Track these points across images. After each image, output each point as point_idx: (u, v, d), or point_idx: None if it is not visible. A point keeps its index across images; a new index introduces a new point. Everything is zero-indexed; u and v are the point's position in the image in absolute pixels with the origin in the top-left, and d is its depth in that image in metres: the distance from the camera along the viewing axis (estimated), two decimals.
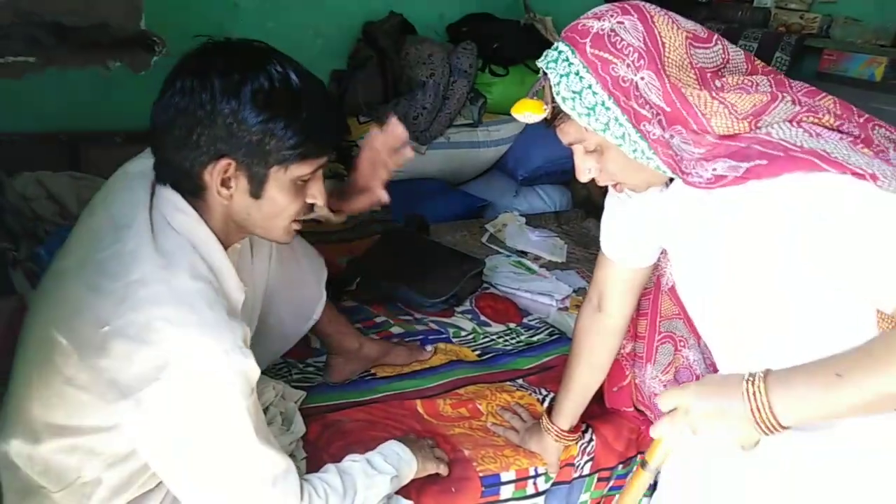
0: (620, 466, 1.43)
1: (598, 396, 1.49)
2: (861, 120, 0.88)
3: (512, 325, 1.77)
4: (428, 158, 2.60)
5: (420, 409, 1.40)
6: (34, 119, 2.27)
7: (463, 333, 1.70)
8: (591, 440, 1.39)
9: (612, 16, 0.86)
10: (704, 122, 0.84)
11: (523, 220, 2.49)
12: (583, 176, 0.96)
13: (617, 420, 1.44)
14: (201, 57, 0.93)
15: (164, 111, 0.91)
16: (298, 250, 1.41)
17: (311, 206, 1.03)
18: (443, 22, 2.93)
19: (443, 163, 2.65)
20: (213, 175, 0.92)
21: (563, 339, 1.72)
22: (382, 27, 2.68)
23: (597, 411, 1.45)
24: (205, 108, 0.88)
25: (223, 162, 0.91)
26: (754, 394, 0.78)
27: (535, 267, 2.22)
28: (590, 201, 2.90)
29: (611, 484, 1.43)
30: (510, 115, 2.94)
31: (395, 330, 1.68)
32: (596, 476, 1.41)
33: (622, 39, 0.84)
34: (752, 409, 0.77)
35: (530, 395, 1.49)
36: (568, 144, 0.94)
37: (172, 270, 0.89)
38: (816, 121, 0.86)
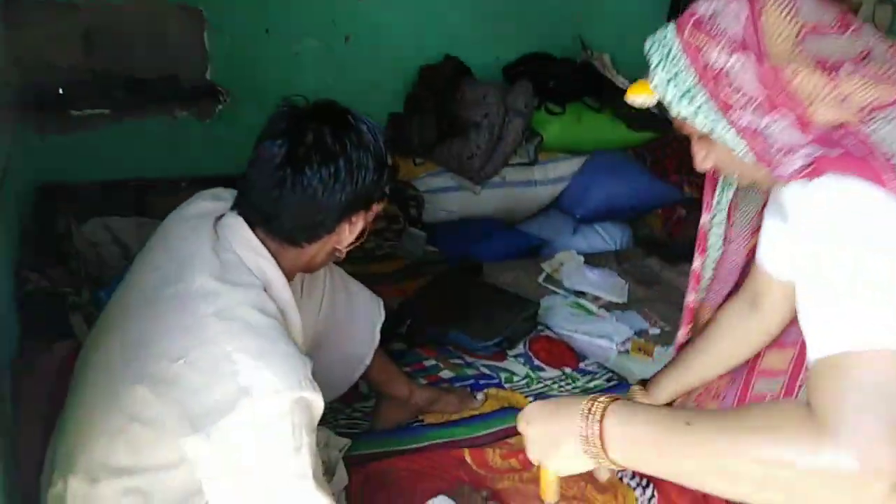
0: None
1: None
2: None
3: (567, 370, 1.69)
4: (483, 198, 2.58)
5: (468, 459, 1.35)
6: (105, 168, 2.39)
7: (515, 378, 1.64)
8: (652, 496, 1.29)
9: (721, 0, 0.82)
10: (806, 110, 0.78)
11: (581, 258, 2.42)
12: (697, 164, 0.93)
13: None
14: (341, 124, 0.99)
15: (297, 182, 0.96)
16: (354, 294, 1.42)
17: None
18: (499, 64, 2.94)
19: (498, 202, 2.62)
20: (351, 229, 1.03)
21: (622, 386, 1.63)
22: (438, 71, 2.71)
23: None
24: (364, 177, 0.98)
25: (360, 214, 1.03)
26: (588, 418, 0.72)
27: (593, 308, 2.15)
28: (652, 239, 2.81)
29: None
30: (568, 152, 2.91)
31: (445, 374, 1.64)
32: None
33: (720, 24, 0.80)
34: (581, 435, 0.72)
35: None
36: (677, 130, 0.91)
37: (245, 307, 0.92)
38: None
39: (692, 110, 0.82)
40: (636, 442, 0.71)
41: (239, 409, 0.84)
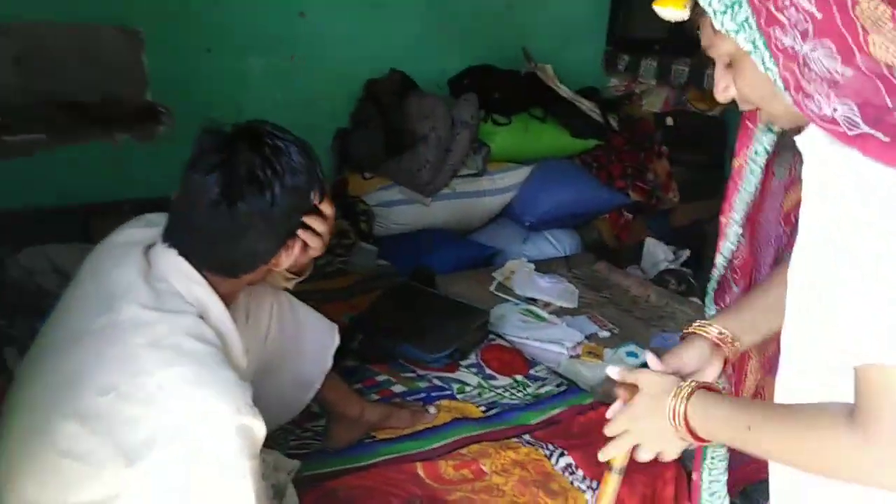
0: None
1: None
2: None
3: (519, 378, 1.71)
4: (433, 210, 2.60)
5: (420, 473, 1.35)
6: (45, 193, 2.33)
7: (468, 389, 1.66)
8: None
9: None
10: (861, 37, 0.68)
11: (532, 266, 2.45)
12: (718, 93, 0.82)
13: (628, 476, 1.36)
14: (273, 152, 0.96)
15: (234, 216, 0.94)
16: (303, 320, 1.41)
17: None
18: (444, 76, 2.97)
19: (448, 213, 2.64)
20: (287, 254, 1.01)
21: (571, 391, 1.66)
22: (384, 85, 2.72)
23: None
24: (283, 204, 0.96)
25: (296, 241, 1.02)
26: (674, 413, 0.84)
27: (544, 314, 2.18)
28: (601, 244, 2.86)
29: None
30: (515, 162, 2.93)
31: (397, 388, 1.64)
32: None
33: None
34: (673, 426, 0.84)
35: (537, 450, 1.43)
36: (704, 50, 0.81)
37: (180, 335, 0.90)
38: None
39: (734, 25, 0.72)
40: (713, 433, 0.84)
41: (177, 439, 0.83)
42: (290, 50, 2.67)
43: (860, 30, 0.67)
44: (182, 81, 2.48)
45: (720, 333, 0.98)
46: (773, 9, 0.70)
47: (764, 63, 0.73)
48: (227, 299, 1.02)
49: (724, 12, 0.72)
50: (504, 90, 2.78)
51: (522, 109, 2.81)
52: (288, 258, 1.02)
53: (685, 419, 0.83)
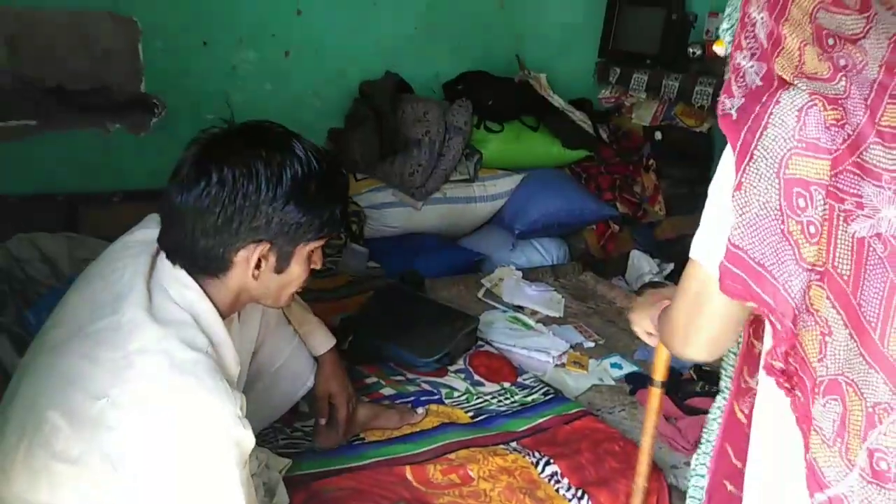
0: None
1: (593, 461, 1.46)
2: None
3: (506, 385, 1.73)
4: (424, 214, 2.61)
5: (409, 476, 1.36)
6: (34, 181, 2.30)
7: (456, 394, 1.67)
8: None
9: None
10: (773, 54, 0.88)
11: (520, 274, 2.48)
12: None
13: (612, 485, 1.40)
14: (234, 144, 0.95)
15: (198, 199, 0.93)
16: (297, 318, 1.43)
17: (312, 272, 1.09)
18: (438, 80, 2.99)
19: (439, 218, 2.65)
20: (248, 258, 0.97)
21: (557, 400, 1.68)
22: (378, 86, 2.73)
23: (592, 476, 1.41)
24: (249, 198, 0.93)
25: (261, 246, 0.97)
26: None
27: (531, 322, 2.20)
28: (587, 254, 2.90)
29: None
30: (506, 170, 2.98)
31: (386, 391, 1.64)
32: None
33: None
34: None
35: (524, 457, 1.44)
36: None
37: (172, 342, 0.90)
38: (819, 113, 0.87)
39: (725, 52, 0.96)
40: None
41: (166, 449, 0.83)
42: (285, 47, 2.67)
43: (778, 50, 0.90)
44: (176, 73, 2.47)
45: None
46: (743, 39, 0.92)
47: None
48: (225, 309, 1.01)
49: (728, 45, 0.96)
50: (498, 98, 2.80)
51: (515, 117, 2.84)
52: (245, 261, 0.98)
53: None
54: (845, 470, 0.83)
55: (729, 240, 0.86)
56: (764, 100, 0.87)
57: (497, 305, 2.28)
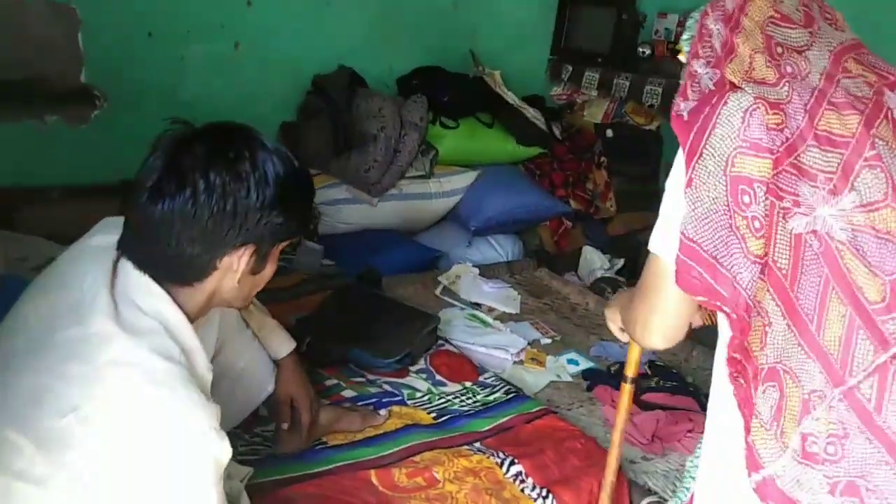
0: None
1: (556, 460, 1.47)
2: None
3: (468, 384, 1.73)
4: (380, 210, 2.59)
5: (374, 481, 1.35)
6: None
7: (418, 395, 1.66)
8: None
9: None
10: (726, 61, 0.94)
11: (476, 271, 2.48)
12: None
13: (575, 483, 1.42)
14: (211, 148, 0.92)
15: (183, 208, 0.89)
16: (256, 322, 1.40)
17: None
18: (392, 75, 2.96)
19: (395, 214, 2.63)
20: (232, 262, 0.95)
21: (519, 398, 1.69)
22: (332, 80, 2.68)
23: (556, 475, 1.43)
24: (239, 203, 0.91)
25: (248, 250, 0.96)
26: None
27: (489, 319, 2.21)
28: (541, 250, 2.93)
29: None
30: (461, 166, 2.98)
31: (347, 393, 1.62)
32: None
33: (723, 2, 0.97)
34: None
35: (489, 458, 1.45)
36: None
37: (143, 352, 0.86)
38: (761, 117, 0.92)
39: (685, 60, 1.01)
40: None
41: (141, 464, 0.80)
42: (235, 39, 2.59)
43: (728, 55, 0.96)
44: (120, 65, 2.36)
45: None
46: (700, 48, 0.98)
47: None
48: (195, 315, 0.98)
49: (687, 53, 1.02)
50: (453, 94, 2.79)
51: (470, 114, 2.83)
52: (229, 265, 0.96)
53: None
54: (779, 451, 0.88)
55: (683, 233, 0.91)
56: (714, 101, 0.92)
57: (455, 303, 2.28)
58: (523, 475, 1.41)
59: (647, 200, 3.25)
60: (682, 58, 1.06)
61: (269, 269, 1.03)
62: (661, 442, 1.70)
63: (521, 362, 2.02)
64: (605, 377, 1.96)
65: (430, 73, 2.92)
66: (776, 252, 0.89)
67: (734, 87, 0.93)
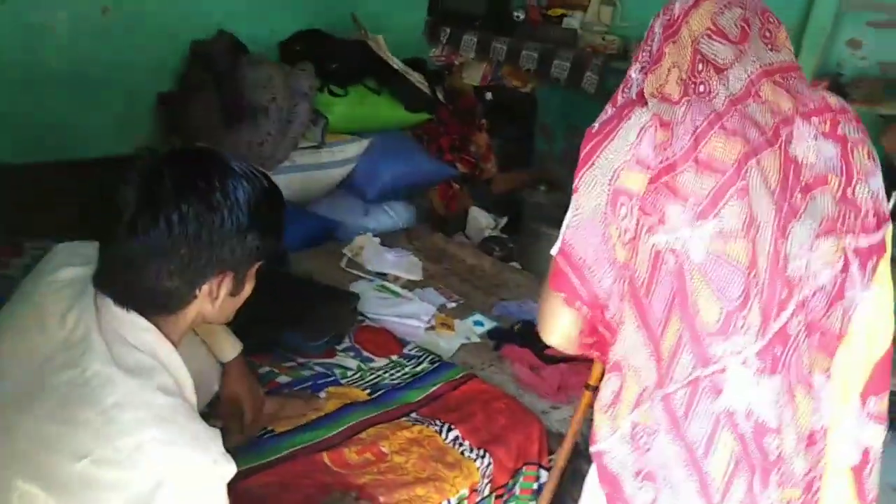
0: (511, 481, 1.59)
1: (485, 421, 1.63)
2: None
3: (394, 358, 1.84)
4: None
5: (328, 462, 1.43)
6: None
7: (350, 373, 1.74)
8: (489, 464, 1.52)
9: None
10: (650, 71, 1.01)
11: (378, 240, 2.55)
12: None
13: (505, 440, 1.59)
14: (180, 177, 0.91)
15: (158, 242, 0.88)
16: (203, 328, 1.38)
17: None
18: (273, 38, 2.87)
19: (289, 187, 2.60)
20: (211, 290, 0.95)
21: (444, 366, 1.82)
22: (213, 47, 2.56)
23: (488, 436, 1.59)
24: (214, 233, 0.91)
25: (226, 276, 0.96)
26: None
27: (398, 289, 2.31)
28: (430, 214, 3.05)
29: (505, 498, 1.58)
30: (352, 134, 2.99)
31: (282, 379, 1.67)
32: (493, 495, 1.55)
33: (673, 7, 1.01)
34: None
35: (427, 427, 1.57)
36: None
37: (146, 391, 0.87)
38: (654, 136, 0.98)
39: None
40: None
41: (159, 500, 0.83)
42: (102, 3, 2.38)
43: (653, 67, 1.04)
44: None
45: None
46: (642, 49, 1.05)
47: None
48: (178, 340, 0.99)
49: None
50: (340, 61, 2.77)
51: (358, 81, 2.83)
52: (208, 294, 0.97)
53: None
54: (610, 433, 1.02)
55: (563, 237, 1.00)
56: (623, 114, 0.99)
57: (362, 275, 2.35)
58: (461, 439, 1.55)
59: (523, 159, 3.47)
60: None
61: (247, 288, 1.05)
62: (565, 391, 1.92)
63: (433, 328, 2.15)
64: (509, 336, 2.14)
65: (312, 38, 2.86)
66: (637, 262, 0.96)
67: (642, 100, 0.99)
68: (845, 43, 2.70)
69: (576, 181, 0.99)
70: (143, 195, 0.89)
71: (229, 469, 0.91)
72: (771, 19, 1.00)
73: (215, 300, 0.99)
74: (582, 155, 0.99)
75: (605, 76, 2.93)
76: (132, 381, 0.87)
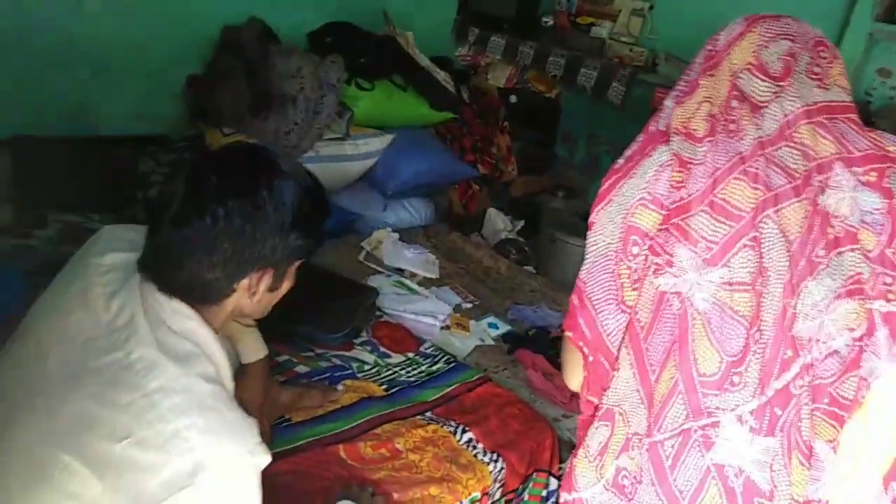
0: (521, 487, 1.60)
1: (500, 425, 1.64)
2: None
3: (410, 355, 1.84)
4: None
5: (343, 454, 1.44)
6: None
7: (366, 367, 1.75)
8: (501, 468, 1.53)
9: (745, 20, 0.96)
10: (681, 103, 0.98)
11: (396, 235, 2.56)
12: None
13: (518, 445, 1.59)
14: (229, 174, 0.93)
15: (202, 235, 0.90)
16: (233, 328, 1.39)
17: None
18: (302, 29, 2.87)
19: None
20: (250, 284, 0.97)
21: (459, 367, 1.83)
22: (244, 34, 2.56)
23: (502, 440, 1.59)
24: (257, 230, 0.93)
25: (266, 272, 0.98)
26: None
27: (414, 286, 2.31)
28: (452, 213, 3.05)
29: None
30: (376, 128, 3.01)
31: (301, 369, 1.68)
32: (503, 500, 1.55)
33: (722, 33, 0.97)
34: None
35: (442, 427, 1.58)
36: None
37: (189, 377, 0.89)
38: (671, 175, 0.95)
39: None
40: None
41: (196, 485, 0.84)
42: None
43: (686, 101, 1.00)
44: (7, 3, 2.12)
45: None
46: (682, 78, 1.02)
47: None
48: (217, 329, 1.00)
49: None
50: (369, 55, 2.78)
51: (385, 76, 2.84)
52: (247, 288, 0.99)
53: None
54: (595, 481, 0.99)
55: (579, 276, 0.96)
56: (647, 151, 0.96)
57: (380, 269, 2.36)
58: (475, 441, 1.56)
59: (543, 165, 3.47)
60: None
61: (286, 284, 1.07)
62: (578, 400, 1.92)
63: (448, 327, 2.15)
64: (523, 341, 2.15)
65: (342, 30, 2.87)
66: (640, 304, 0.92)
67: (665, 137, 0.96)
68: (875, 71, 2.70)
69: (591, 216, 0.97)
70: (190, 188, 0.91)
71: (264, 459, 0.91)
72: (823, 53, 0.92)
73: (254, 295, 1.00)
74: (601, 191, 0.97)
75: (631, 88, 2.93)
76: (175, 366, 0.89)
